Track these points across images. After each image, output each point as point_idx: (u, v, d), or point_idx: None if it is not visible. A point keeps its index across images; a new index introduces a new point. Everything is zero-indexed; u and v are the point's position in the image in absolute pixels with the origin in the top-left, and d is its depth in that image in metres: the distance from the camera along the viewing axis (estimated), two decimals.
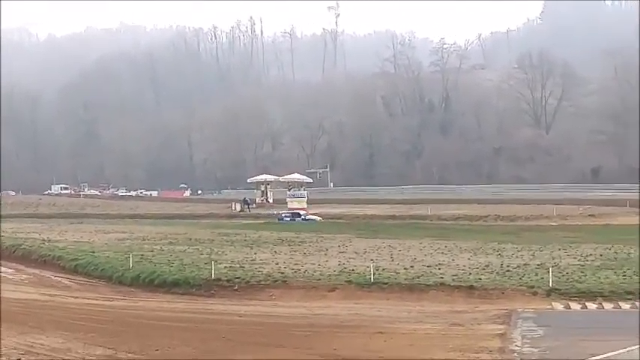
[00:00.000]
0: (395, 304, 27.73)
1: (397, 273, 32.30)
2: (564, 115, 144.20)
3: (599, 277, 30.74)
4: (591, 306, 27.03)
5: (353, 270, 33.09)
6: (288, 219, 70.62)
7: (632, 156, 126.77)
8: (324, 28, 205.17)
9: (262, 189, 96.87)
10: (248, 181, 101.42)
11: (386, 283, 30.20)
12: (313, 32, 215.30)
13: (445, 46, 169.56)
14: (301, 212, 72.67)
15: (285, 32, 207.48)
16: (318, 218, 71.77)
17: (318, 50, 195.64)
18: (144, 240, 49.05)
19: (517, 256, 38.45)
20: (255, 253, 40.04)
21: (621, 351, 16.30)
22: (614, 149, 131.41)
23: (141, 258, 37.69)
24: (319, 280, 30.78)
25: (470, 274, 32.19)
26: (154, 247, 44.21)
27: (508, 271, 33.04)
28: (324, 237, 49.46)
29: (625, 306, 26.82)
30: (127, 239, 49.44)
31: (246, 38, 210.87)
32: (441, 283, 30.03)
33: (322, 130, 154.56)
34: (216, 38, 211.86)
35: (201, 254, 39.75)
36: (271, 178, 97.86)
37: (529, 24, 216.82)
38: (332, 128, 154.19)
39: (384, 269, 33.03)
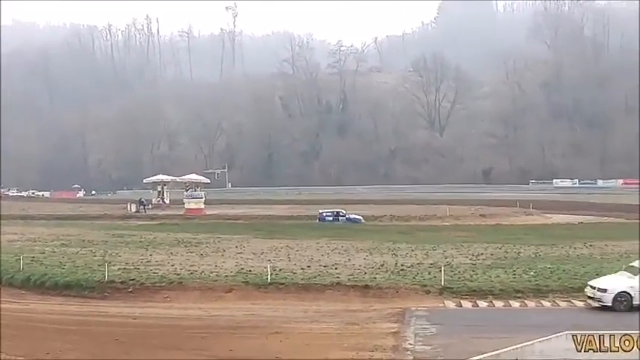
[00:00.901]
0: (292, 304, 27.89)
1: (294, 273, 32.47)
2: (457, 117, 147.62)
3: (490, 276, 31.62)
4: (482, 304, 27.79)
5: (250, 271, 33.07)
6: (330, 218, 67.88)
7: (522, 158, 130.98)
8: (222, 28, 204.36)
9: (159, 189, 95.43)
10: (144, 181, 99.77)
11: (283, 284, 30.34)
12: (211, 32, 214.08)
13: (342, 49, 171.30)
14: (342, 211, 69.96)
15: (182, 31, 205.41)
16: (362, 219, 69.28)
17: (216, 50, 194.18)
18: (35, 241, 47.72)
19: (411, 256, 39.15)
20: (151, 255, 39.53)
21: (501, 351, 16.81)
22: (504, 151, 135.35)
23: (32, 260, 36.73)
24: (215, 281, 30.66)
25: (365, 273, 32.62)
26: (46, 248, 43.10)
27: (402, 270, 33.63)
28: (221, 238, 49.19)
29: (515, 304, 27.69)
30: (18, 241, 48.02)
31: (143, 37, 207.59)
32: (337, 283, 30.36)
33: (220, 130, 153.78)
34: (111, 36, 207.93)
35: (95, 256, 38.99)
36: (168, 179, 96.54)
37: (424, 28, 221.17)
38: (230, 128, 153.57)
39: (281, 270, 33.14)
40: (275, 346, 21.38)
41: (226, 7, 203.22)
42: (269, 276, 30.78)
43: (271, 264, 33.33)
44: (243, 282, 30.72)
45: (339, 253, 40.84)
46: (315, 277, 31.50)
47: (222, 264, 35.53)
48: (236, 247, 43.93)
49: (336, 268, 33.99)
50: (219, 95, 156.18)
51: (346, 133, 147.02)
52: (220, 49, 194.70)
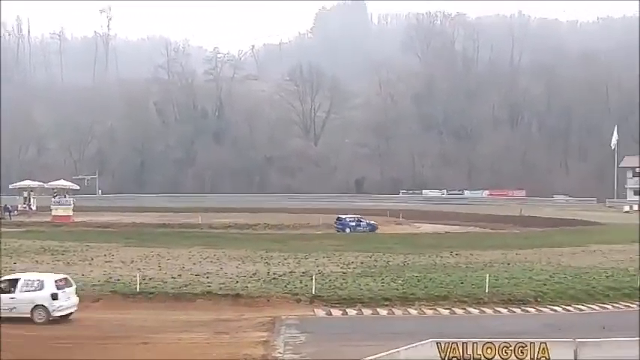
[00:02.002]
0: (161, 313, 27.54)
1: (164, 282, 32.10)
2: (332, 127, 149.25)
3: (360, 285, 32.17)
4: (351, 312, 28.26)
5: (119, 280, 32.49)
6: (354, 224, 68.68)
7: (394, 168, 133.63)
8: (95, 31, 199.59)
9: (25, 195, 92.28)
10: (10, 187, 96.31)
11: (152, 293, 29.96)
12: (84, 35, 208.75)
13: (219, 56, 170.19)
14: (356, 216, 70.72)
15: (54, 33, 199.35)
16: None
17: (89, 53, 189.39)
18: None
19: (283, 264, 39.37)
20: (15, 263, 38.10)
21: (367, 359, 17.13)
22: (377, 161, 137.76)
23: None
24: (82, 290, 29.81)
25: (237, 282, 32.59)
26: None
27: (274, 278, 33.77)
28: (90, 246, 47.98)
29: (382, 312, 28.26)
30: None
31: (12, 38, 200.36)
32: (208, 292, 30.21)
33: (92, 135, 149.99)
34: None
35: None
36: (35, 184, 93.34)
37: (300, 37, 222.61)
38: (102, 134, 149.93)
39: (151, 278, 32.70)
40: (143, 356, 21.07)
41: (100, 10, 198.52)
42: (138, 285, 30.31)
43: (141, 273, 32.82)
44: (111, 291, 30.15)
45: (211, 261, 40.64)
46: (185, 286, 31.24)
47: (90, 273, 34.72)
48: (105, 255, 42.98)
49: (207, 277, 33.80)
50: (91, 99, 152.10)
51: (222, 141, 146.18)
52: (93, 52, 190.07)
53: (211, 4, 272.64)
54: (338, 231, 68.65)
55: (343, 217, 71.32)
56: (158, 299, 29.39)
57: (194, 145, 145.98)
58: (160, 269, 36.70)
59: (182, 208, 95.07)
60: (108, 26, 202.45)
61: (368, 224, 70.11)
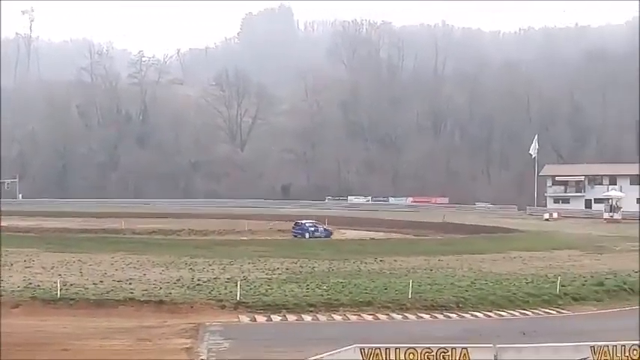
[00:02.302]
0: (82, 320, 27.05)
1: (86, 288, 31.57)
2: (258, 132, 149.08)
3: (285, 291, 32.20)
4: (276, 318, 28.26)
5: (39, 285, 31.83)
6: (312, 229, 69.16)
7: (319, 174, 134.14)
8: (17, 33, 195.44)
9: None
10: None
11: (73, 299, 29.42)
12: (5, 36, 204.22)
13: (144, 59, 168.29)
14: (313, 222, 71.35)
15: None
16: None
17: (10, 55, 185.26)
18: None
19: (208, 270, 39.15)
20: None
21: None
22: (303, 167, 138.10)
23: None
24: (1, 296, 29.21)
25: (160, 288, 32.27)
26: None
27: (198, 284, 33.56)
28: (9, 251, 46.72)
29: (307, 318, 28.35)
30: None
31: None
32: (131, 298, 29.82)
33: (12, 138, 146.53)
34: None
35: None
36: None
37: (227, 43, 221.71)
38: (23, 136, 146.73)
39: (72, 284, 32.12)
40: None
41: (22, 11, 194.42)
42: (59, 291, 29.74)
43: (62, 279, 32.21)
44: (30, 297, 29.50)
45: (134, 267, 40.14)
46: (107, 293, 30.78)
47: (9, 278, 33.89)
48: (25, 260, 42.00)
49: (130, 283, 33.37)
50: (12, 101, 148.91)
51: (146, 145, 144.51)
52: (15, 53, 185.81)
53: (137, 6, 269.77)
54: (296, 236, 68.89)
55: (302, 222, 71.55)
56: (79, 306, 28.86)
57: (117, 150, 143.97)
58: (82, 275, 36.10)
59: (105, 213, 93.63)
60: (30, 28, 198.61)
61: (325, 230, 70.51)
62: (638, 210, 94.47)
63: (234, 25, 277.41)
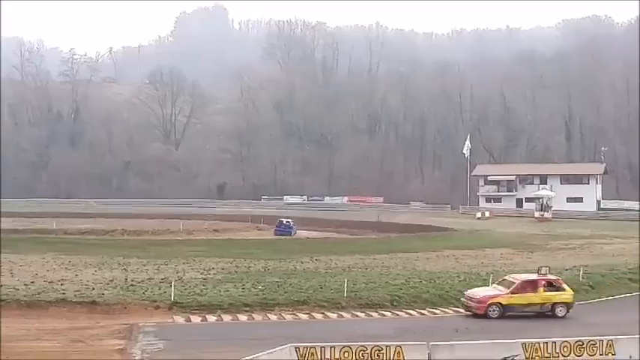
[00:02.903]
0: (13, 321, 26.49)
1: (16, 289, 30.98)
2: (193, 132, 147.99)
3: (220, 291, 32.09)
4: (211, 318, 28.16)
5: None
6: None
7: (255, 174, 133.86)
8: None
9: None
10: None
11: (3, 300, 28.86)
12: None
13: (75, 57, 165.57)
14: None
15: None
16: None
17: None
18: None
19: (142, 271, 38.77)
20: None
21: None
22: (238, 167, 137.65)
23: None
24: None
25: (93, 289, 31.85)
26: None
27: (132, 285, 33.21)
28: None
29: (242, 317, 28.31)
30: None
31: None
32: (63, 299, 29.38)
33: None
34: None
35: None
36: None
37: (160, 41, 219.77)
38: None
39: (2, 285, 31.47)
40: None
41: None
42: None
43: None
44: None
45: (66, 268, 39.53)
46: (39, 294, 30.25)
47: None
48: None
49: (62, 284, 32.86)
50: None
51: (78, 144, 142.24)
52: None
53: (67, 4, 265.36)
54: (280, 234, 70.96)
55: (285, 220, 74.77)
56: (10, 307, 28.32)
57: (48, 149, 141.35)
58: (12, 276, 35.43)
59: (36, 213, 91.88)
60: None
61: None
62: (567, 209, 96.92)
63: (168, 24, 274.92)
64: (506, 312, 29.00)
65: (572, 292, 30.14)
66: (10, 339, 23.65)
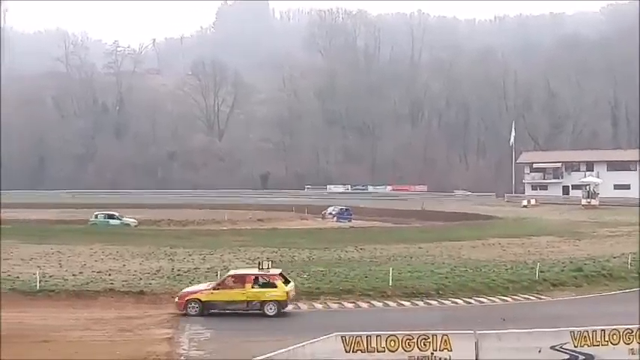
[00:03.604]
0: (62, 311, 26.92)
1: (65, 280, 31.41)
2: (236, 122, 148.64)
3: None
4: None
5: (18, 277, 31.62)
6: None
7: (298, 163, 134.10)
8: None
9: None
10: None
11: (53, 291, 29.28)
12: None
13: (119, 49, 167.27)
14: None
15: None
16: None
17: None
18: None
19: (188, 260, 39.06)
20: None
21: (272, 353, 17.20)
22: (281, 157, 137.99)
23: None
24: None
25: (140, 279, 32.16)
26: None
27: (179, 275, 33.48)
28: None
29: (288, 307, 28.30)
30: None
31: None
32: (111, 289, 29.74)
33: None
34: None
35: None
36: None
37: (202, 32, 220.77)
38: None
39: (51, 276, 31.95)
40: (43, 355, 20.60)
41: None
42: (38, 283, 29.57)
43: (41, 270, 32.03)
44: (10, 289, 29.32)
45: (113, 258, 39.97)
46: (87, 284, 30.64)
47: None
48: (3, 252, 41.68)
49: (109, 274, 33.24)
50: None
51: (123, 136, 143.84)
52: None
53: None
54: (341, 221, 75.09)
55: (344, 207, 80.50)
56: (59, 297, 28.75)
57: (94, 140, 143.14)
58: (61, 267, 35.90)
59: (83, 204, 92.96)
60: (3, 18, 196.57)
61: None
62: (614, 196, 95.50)
63: (210, 15, 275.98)
64: (208, 309, 26.77)
65: (287, 290, 27.24)
66: (60, 329, 24.00)
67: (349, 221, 75.40)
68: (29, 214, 77.98)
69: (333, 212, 79.71)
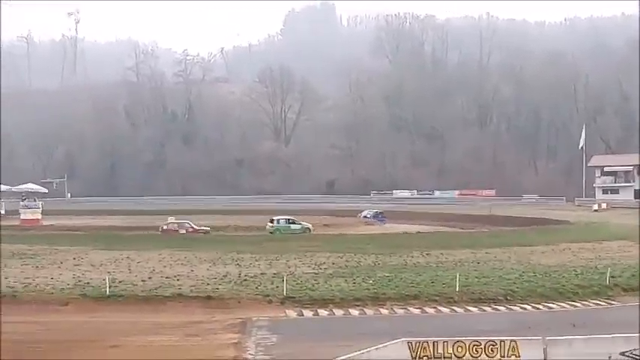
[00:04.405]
0: (131, 316, 27.26)
1: (134, 285, 31.84)
2: (303, 128, 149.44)
3: (331, 285, 32.13)
4: (323, 313, 28.19)
5: (88, 283, 32.18)
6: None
7: (364, 169, 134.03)
8: (63, 34, 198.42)
9: None
10: None
11: (122, 296, 29.67)
12: (52, 38, 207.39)
13: (188, 58, 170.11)
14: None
15: (21, 37, 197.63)
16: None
17: (56, 57, 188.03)
18: None
19: (255, 266, 39.26)
20: None
21: (339, 359, 17.15)
22: (347, 162, 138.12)
23: None
24: (52, 294, 29.61)
25: (208, 284, 32.41)
26: None
27: (245, 280, 33.64)
28: (58, 249, 47.50)
29: (354, 312, 28.25)
30: None
31: None
32: (179, 294, 30.00)
33: (60, 139, 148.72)
34: None
35: None
36: (4, 188, 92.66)
37: (270, 39, 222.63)
38: (71, 137, 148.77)
39: (120, 281, 32.42)
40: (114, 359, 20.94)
41: (69, 13, 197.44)
42: (108, 288, 30.04)
43: (110, 276, 32.50)
44: (80, 294, 29.83)
45: (181, 264, 40.40)
46: (156, 289, 30.99)
47: (59, 276, 34.35)
48: (74, 258, 42.58)
49: (178, 280, 33.60)
50: (59, 103, 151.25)
51: (192, 143, 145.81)
52: (62, 55, 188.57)
53: (179, 5, 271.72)
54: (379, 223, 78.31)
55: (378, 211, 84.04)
56: (128, 302, 29.09)
57: (164, 148, 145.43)
58: (130, 272, 36.42)
59: (152, 210, 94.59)
60: (76, 29, 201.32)
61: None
62: None
63: (277, 22, 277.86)
64: None
65: None
66: (129, 333, 24.33)
67: (384, 223, 78.03)
68: (101, 220, 79.61)
69: (369, 215, 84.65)
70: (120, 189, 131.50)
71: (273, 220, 68.74)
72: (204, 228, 67.59)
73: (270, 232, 66.11)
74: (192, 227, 66.72)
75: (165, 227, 67.37)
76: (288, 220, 69.18)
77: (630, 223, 71.11)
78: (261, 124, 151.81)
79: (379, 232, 69.14)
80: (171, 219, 70.59)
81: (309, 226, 68.90)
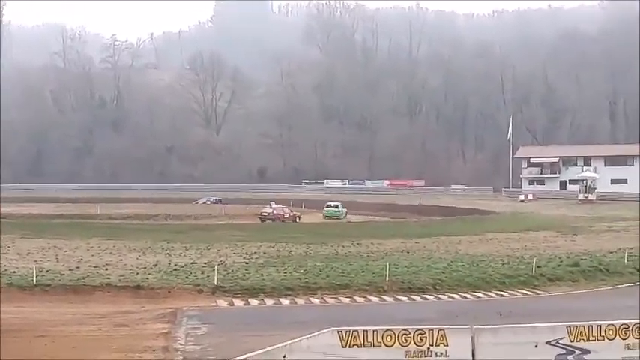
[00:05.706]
0: (59, 306, 26.83)
1: (62, 274, 31.34)
2: (234, 116, 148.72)
3: (262, 275, 32.14)
4: (254, 302, 28.19)
5: (15, 272, 31.55)
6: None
7: (296, 158, 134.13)
8: None
9: None
10: None
11: (49, 285, 29.18)
12: None
13: (117, 43, 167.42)
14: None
15: None
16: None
17: None
18: None
19: (185, 255, 39.03)
20: None
21: (269, 348, 17.18)
22: (279, 151, 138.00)
23: None
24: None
25: (137, 273, 32.10)
26: None
27: (176, 269, 33.42)
28: None
29: (285, 301, 28.33)
30: None
31: None
32: (108, 284, 29.63)
33: None
34: None
35: None
36: None
37: (200, 26, 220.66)
38: None
39: (48, 270, 31.87)
40: (40, 350, 20.55)
41: None
42: (35, 277, 29.51)
43: (37, 265, 31.95)
44: (7, 284, 29.21)
45: (110, 253, 39.91)
46: (84, 278, 30.56)
47: None
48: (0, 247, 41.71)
49: (106, 269, 33.18)
50: None
51: (121, 130, 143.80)
52: None
53: None
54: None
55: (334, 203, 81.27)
56: (55, 292, 28.64)
57: (92, 135, 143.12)
58: (58, 261, 35.84)
59: (80, 198, 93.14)
60: (1, 12, 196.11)
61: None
62: (612, 191, 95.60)
63: (208, 9, 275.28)
64: None
65: None
66: (56, 323, 23.96)
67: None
68: (27, 208, 78.04)
69: (208, 202, 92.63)
70: (47, 176, 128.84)
71: (329, 205, 78.14)
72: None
73: (327, 217, 74.17)
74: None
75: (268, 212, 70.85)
76: (337, 205, 78.00)
77: (555, 213, 73.01)
78: (192, 111, 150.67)
79: (310, 221, 69.40)
80: (272, 204, 72.19)
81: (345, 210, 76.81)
